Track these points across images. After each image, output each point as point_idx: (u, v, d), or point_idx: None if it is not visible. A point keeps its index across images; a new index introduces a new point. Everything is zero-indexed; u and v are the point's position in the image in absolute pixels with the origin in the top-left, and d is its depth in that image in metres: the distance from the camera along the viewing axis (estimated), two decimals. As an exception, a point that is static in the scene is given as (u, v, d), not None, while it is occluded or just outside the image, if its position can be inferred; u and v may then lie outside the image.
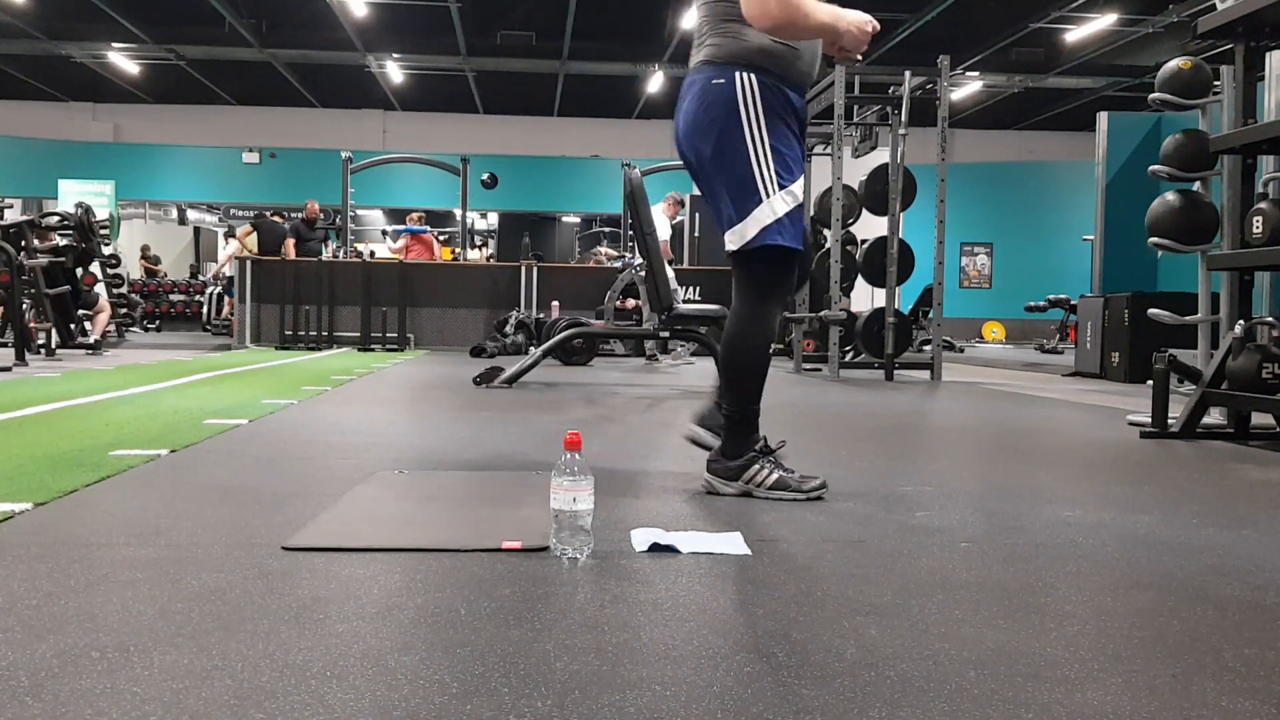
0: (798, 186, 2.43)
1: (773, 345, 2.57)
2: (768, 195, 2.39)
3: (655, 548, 1.86)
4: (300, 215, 12.75)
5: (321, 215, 13.15)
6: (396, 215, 15.43)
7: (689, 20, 16.73)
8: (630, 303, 9.83)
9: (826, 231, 7.63)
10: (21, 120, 20.11)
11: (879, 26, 2.41)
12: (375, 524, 2.08)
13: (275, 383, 5.90)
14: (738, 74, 2.37)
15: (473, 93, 19.54)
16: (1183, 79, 4.55)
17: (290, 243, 12.17)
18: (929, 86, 7.90)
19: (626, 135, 20.27)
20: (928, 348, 9.17)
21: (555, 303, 10.50)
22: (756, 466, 2.45)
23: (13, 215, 8.92)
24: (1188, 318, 4.51)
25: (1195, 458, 3.46)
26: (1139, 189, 7.52)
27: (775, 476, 2.44)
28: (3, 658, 1.23)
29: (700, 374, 7.56)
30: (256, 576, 1.63)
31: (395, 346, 10.88)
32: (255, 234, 13.12)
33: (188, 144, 20.24)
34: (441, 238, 18.13)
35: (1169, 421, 4.00)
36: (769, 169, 2.39)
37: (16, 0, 14.54)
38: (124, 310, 10.43)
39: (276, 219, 13.63)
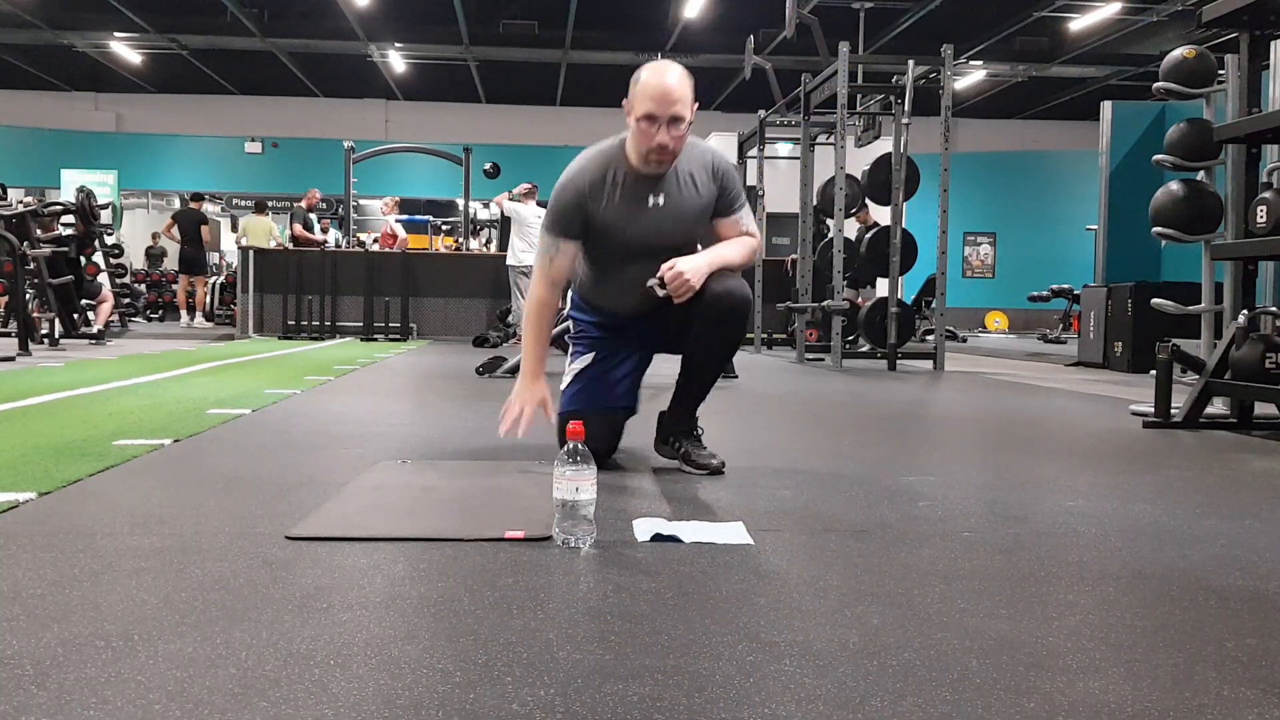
0: (578, 363, 2.75)
1: None
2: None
3: (658, 537, 1.86)
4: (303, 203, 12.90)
5: (323, 205, 13.28)
6: (400, 205, 15.44)
7: (691, 10, 16.55)
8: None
9: (829, 221, 7.60)
10: (24, 110, 20.10)
11: (527, 430, 2.55)
12: (378, 513, 2.08)
13: (278, 373, 5.91)
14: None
15: (475, 82, 19.50)
16: (1187, 68, 4.53)
17: (299, 228, 12.30)
18: (932, 75, 7.88)
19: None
20: (930, 337, 9.16)
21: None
22: None
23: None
24: (1191, 307, 4.50)
25: (1198, 448, 3.46)
26: (1143, 179, 7.50)
27: None
28: (8, 646, 1.24)
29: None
30: (260, 566, 1.64)
31: (398, 336, 10.89)
32: (176, 226, 13.48)
33: (190, 134, 20.23)
34: (444, 227, 18.12)
35: (1172, 411, 3.99)
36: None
37: (18, -10, 14.52)
38: (127, 300, 10.44)
39: (194, 205, 14.00)
